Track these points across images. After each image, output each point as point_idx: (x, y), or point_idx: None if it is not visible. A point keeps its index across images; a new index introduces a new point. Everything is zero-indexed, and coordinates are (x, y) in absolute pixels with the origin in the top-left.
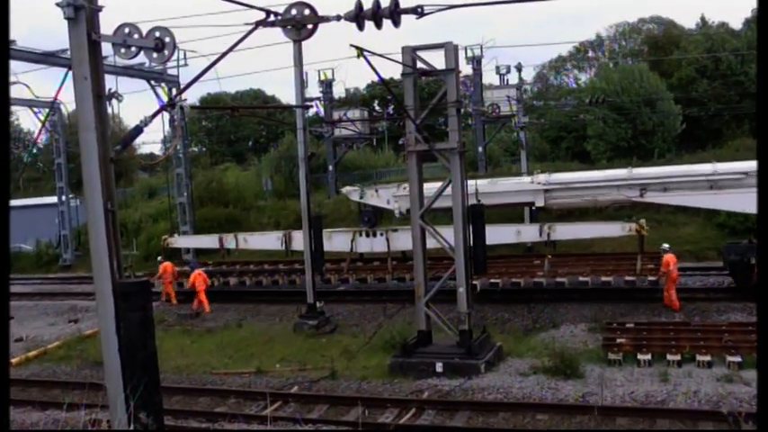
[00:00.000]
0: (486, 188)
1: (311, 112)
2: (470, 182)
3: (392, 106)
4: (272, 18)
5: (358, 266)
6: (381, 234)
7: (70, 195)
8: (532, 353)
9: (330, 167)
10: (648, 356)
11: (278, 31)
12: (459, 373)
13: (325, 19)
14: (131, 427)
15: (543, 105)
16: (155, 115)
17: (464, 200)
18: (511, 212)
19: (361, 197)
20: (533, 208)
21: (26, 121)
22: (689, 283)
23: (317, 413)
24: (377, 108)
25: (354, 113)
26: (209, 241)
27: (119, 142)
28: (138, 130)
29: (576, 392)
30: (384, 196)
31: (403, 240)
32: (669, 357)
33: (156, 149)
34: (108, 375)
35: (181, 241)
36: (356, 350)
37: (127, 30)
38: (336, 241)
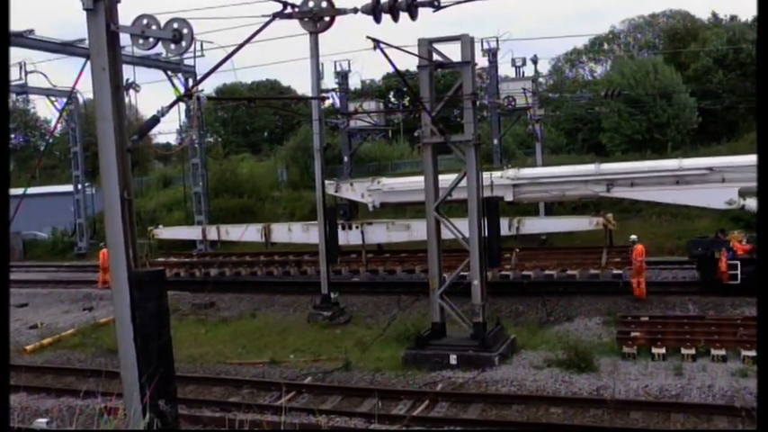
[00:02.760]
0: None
1: (327, 103)
2: (444, 176)
3: (408, 98)
4: (289, 10)
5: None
6: (357, 227)
7: (86, 184)
8: (546, 346)
9: (345, 159)
10: (663, 350)
11: (294, 22)
12: (473, 366)
13: (343, 11)
14: (147, 416)
15: (559, 98)
16: (172, 105)
17: (479, 192)
18: (527, 206)
19: (336, 191)
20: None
21: (43, 109)
22: None
23: (330, 404)
24: (392, 100)
25: (370, 105)
26: (192, 233)
27: (135, 132)
28: (154, 119)
29: (591, 386)
30: (359, 190)
31: (378, 233)
32: (683, 351)
33: (172, 139)
34: (123, 363)
35: (165, 232)
36: (370, 342)
37: (145, 21)
38: (313, 234)
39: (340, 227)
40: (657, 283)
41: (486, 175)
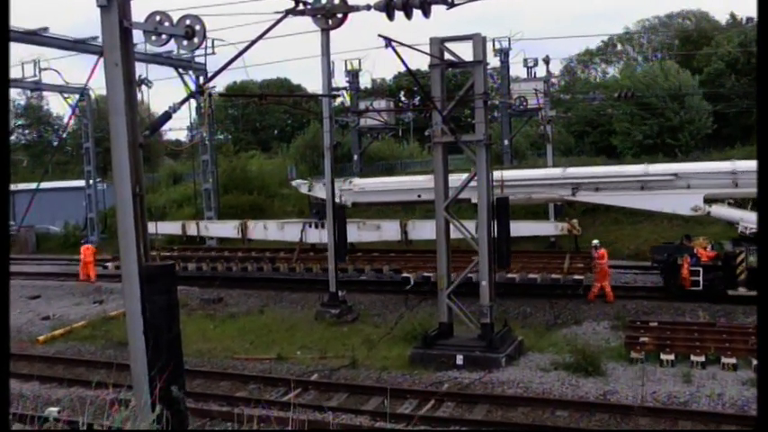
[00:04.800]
0: (427, 184)
1: (337, 101)
2: (415, 178)
3: (418, 97)
4: (301, 6)
5: (310, 256)
6: None
7: (97, 179)
8: (554, 348)
9: (355, 157)
10: (672, 356)
11: (306, 19)
12: (480, 367)
13: (355, 8)
14: (156, 409)
15: (570, 99)
16: (183, 102)
17: (489, 192)
18: (536, 207)
19: (309, 190)
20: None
21: (56, 106)
22: None
23: (336, 401)
24: (403, 99)
25: (380, 104)
26: (173, 228)
27: (146, 128)
28: (166, 115)
29: (597, 390)
30: None
31: (349, 232)
32: (693, 358)
33: (182, 136)
34: (133, 356)
35: (150, 228)
36: (377, 340)
37: (158, 17)
38: (288, 232)
39: (313, 225)
40: (666, 288)
41: (453, 177)
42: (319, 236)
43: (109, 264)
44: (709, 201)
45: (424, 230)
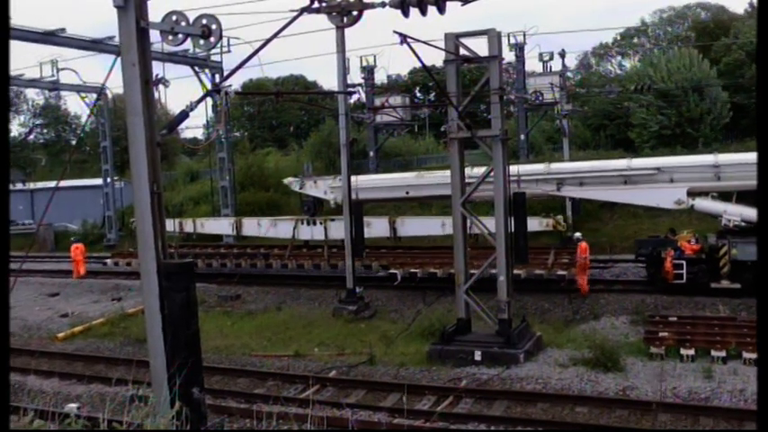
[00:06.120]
0: (413, 181)
1: (353, 98)
2: (404, 174)
3: (434, 93)
4: (316, 4)
5: (302, 252)
6: (320, 223)
7: (115, 177)
8: (572, 344)
9: (371, 153)
10: (692, 351)
11: (321, 16)
12: (498, 363)
13: (370, 6)
14: (176, 405)
15: (587, 93)
16: (200, 100)
17: (506, 188)
18: (553, 203)
19: (300, 187)
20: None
21: (74, 105)
22: None
23: (354, 398)
24: (418, 95)
25: (396, 100)
26: (169, 225)
27: (164, 127)
28: (183, 114)
29: (617, 386)
30: (322, 187)
31: (340, 229)
32: (714, 353)
33: (199, 134)
34: (152, 353)
35: None
36: (395, 336)
37: (174, 17)
38: (281, 229)
39: (305, 222)
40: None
41: (439, 173)
42: (311, 233)
43: (108, 260)
44: (692, 194)
45: (412, 227)
